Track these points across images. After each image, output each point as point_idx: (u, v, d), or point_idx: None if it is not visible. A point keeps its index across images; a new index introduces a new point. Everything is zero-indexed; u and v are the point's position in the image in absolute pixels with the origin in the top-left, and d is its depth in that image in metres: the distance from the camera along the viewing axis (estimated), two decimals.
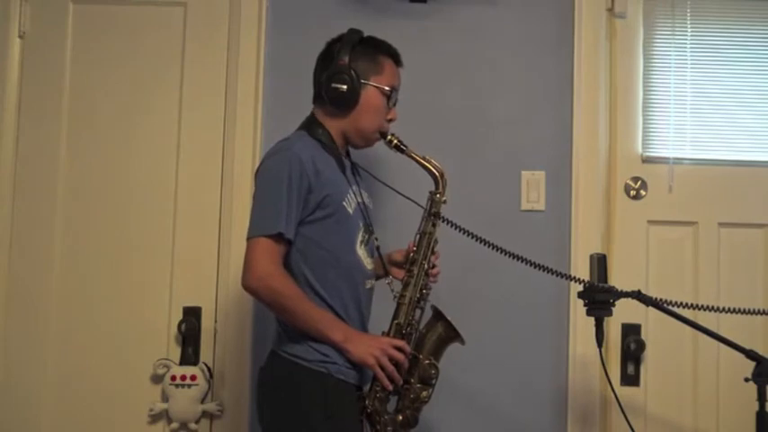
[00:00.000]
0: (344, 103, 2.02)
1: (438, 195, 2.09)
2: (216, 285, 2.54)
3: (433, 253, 2.09)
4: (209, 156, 2.58)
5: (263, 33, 2.58)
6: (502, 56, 2.61)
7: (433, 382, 2.02)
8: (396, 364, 1.95)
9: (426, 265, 2.07)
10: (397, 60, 2.11)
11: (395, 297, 2.06)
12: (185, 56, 2.61)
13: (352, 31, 2.07)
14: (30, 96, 2.62)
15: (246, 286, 1.92)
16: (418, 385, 2.01)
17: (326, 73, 2.02)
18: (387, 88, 2.06)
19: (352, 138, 2.08)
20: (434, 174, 2.10)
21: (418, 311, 2.06)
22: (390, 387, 1.97)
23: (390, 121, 2.10)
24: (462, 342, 2.08)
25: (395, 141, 2.09)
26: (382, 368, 1.94)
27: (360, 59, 2.03)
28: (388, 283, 2.10)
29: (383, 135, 2.09)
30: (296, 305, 1.92)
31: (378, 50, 2.08)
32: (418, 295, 2.06)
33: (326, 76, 2.01)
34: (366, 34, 2.10)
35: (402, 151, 2.09)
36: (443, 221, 2.06)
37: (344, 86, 2.00)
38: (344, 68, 2.01)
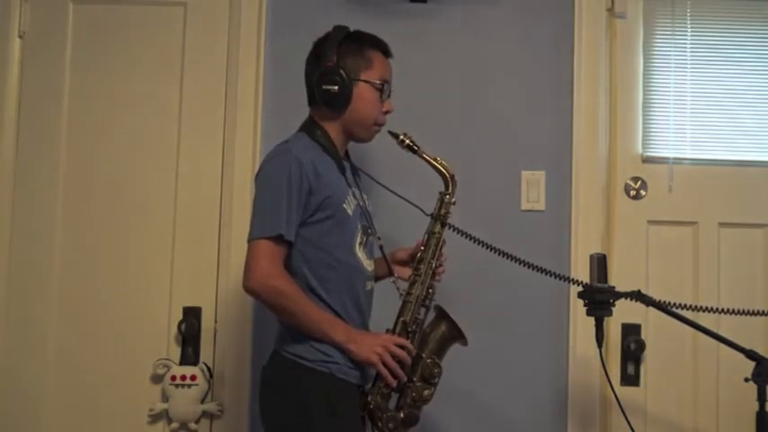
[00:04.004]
0: (338, 104, 2.02)
1: (448, 197, 2.09)
2: (216, 285, 2.54)
3: (440, 253, 2.10)
4: (209, 156, 2.58)
5: (263, 33, 2.58)
6: (502, 56, 2.61)
7: (436, 380, 2.02)
8: (399, 361, 1.96)
9: (434, 264, 2.08)
10: (385, 52, 2.09)
11: (401, 295, 2.06)
12: (185, 56, 2.61)
13: (337, 29, 2.06)
14: (30, 96, 2.62)
15: (248, 288, 1.92)
16: (420, 384, 2.01)
17: (316, 75, 2.01)
18: (378, 82, 2.05)
19: (352, 132, 2.07)
20: (445, 175, 2.10)
21: (423, 310, 2.07)
22: (394, 384, 1.97)
23: (387, 112, 2.10)
24: (465, 343, 2.08)
25: (407, 142, 2.08)
26: (386, 365, 1.94)
27: (347, 57, 2.02)
28: (393, 282, 2.11)
29: (394, 135, 2.08)
30: (298, 306, 1.92)
31: (364, 45, 2.06)
32: (424, 294, 2.06)
33: (316, 79, 2.01)
34: (353, 29, 2.08)
35: (414, 152, 2.09)
36: (449, 227, 2.07)
37: (335, 87, 1.99)
38: (333, 69, 2.00)
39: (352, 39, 2.06)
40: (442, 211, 2.09)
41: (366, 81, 2.04)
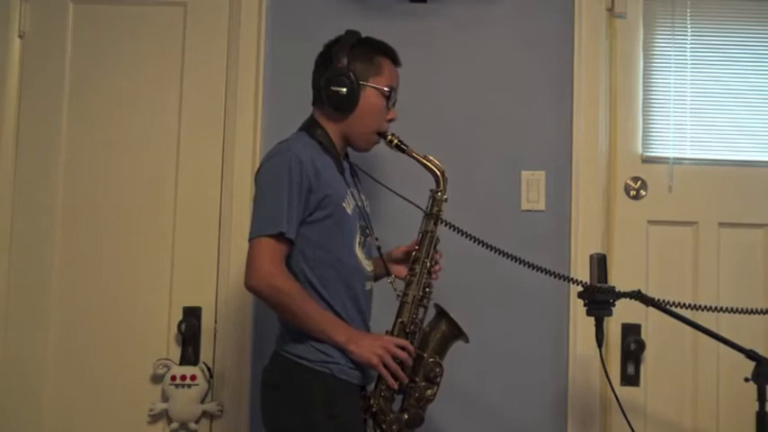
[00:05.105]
0: (344, 106, 2.02)
1: (439, 194, 2.10)
2: (216, 285, 2.54)
3: (435, 251, 2.10)
4: (210, 156, 2.58)
5: (263, 33, 2.58)
6: (502, 56, 2.61)
7: (438, 380, 2.02)
8: (400, 362, 1.96)
9: (429, 264, 2.08)
10: (394, 60, 2.11)
11: (398, 296, 2.06)
12: (185, 56, 2.61)
13: (350, 33, 2.07)
14: (30, 96, 2.62)
15: (249, 286, 1.92)
16: (423, 384, 2.01)
17: (325, 76, 2.02)
18: (386, 89, 2.06)
19: (352, 140, 2.08)
20: (435, 173, 2.10)
21: (421, 310, 2.07)
22: (396, 386, 1.97)
23: (390, 120, 2.11)
24: (466, 340, 2.08)
25: (395, 141, 2.09)
26: (386, 367, 1.94)
27: (358, 61, 2.03)
28: (390, 282, 2.10)
29: (383, 135, 2.09)
30: (299, 305, 1.92)
31: (375, 51, 2.08)
32: (421, 293, 2.06)
33: (325, 79, 2.01)
34: (365, 34, 2.10)
35: (403, 151, 2.09)
36: (443, 224, 2.07)
37: (344, 89, 2.00)
38: (343, 71, 2.00)
39: (363, 44, 2.07)
40: (435, 209, 2.09)
41: (374, 87, 2.04)
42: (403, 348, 1.97)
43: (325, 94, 2.02)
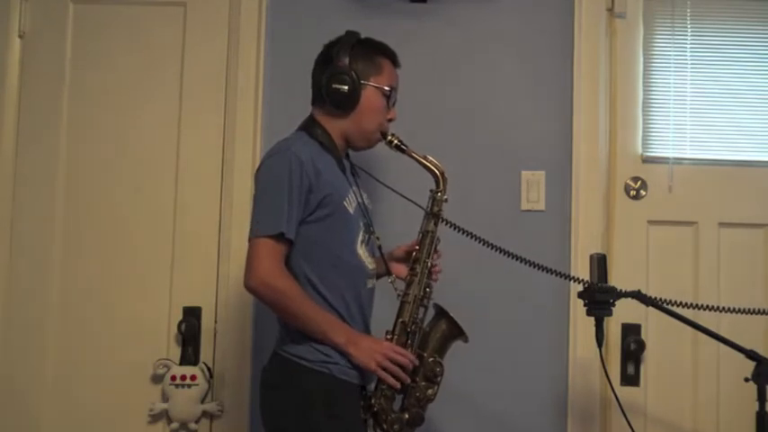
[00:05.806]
0: (346, 104, 2.02)
1: (439, 194, 2.10)
2: (216, 285, 2.54)
3: (435, 251, 2.10)
4: (209, 156, 2.58)
5: (262, 33, 2.58)
6: (502, 56, 2.61)
7: (439, 379, 2.02)
8: (400, 365, 1.95)
9: (429, 264, 2.08)
10: (394, 61, 2.12)
11: (398, 296, 2.06)
12: (185, 56, 2.61)
13: (350, 33, 2.08)
14: (30, 96, 2.62)
15: (249, 287, 1.92)
16: (423, 383, 2.01)
17: (326, 74, 2.02)
18: (386, 88, 2.06)
19: (353, 139, 2.09)
20: (435, 173, 2.10)
21: (422, 310, 2.07)
22: (398, 386, 1.97)
23: (390, 120, 2.11)
24: (466, 339, 2.08)
25: (395, 141, 2.09)
26: (386, 370, 1.94)
27: (359, 60, 2.03)
28: (391, 282, 2.11)
29: (383, 135, 2.09)
30: (298, 306, 1.92)
31: (376, 51, 2.09)
32: (422, 293, 2.06)
33: (327, 78, 2.01)
34: (366, 34, 2.10)
35: (402, 151, 2.09)
36: (443, 222, 2.07)
37: (345, 87, 2.00)
38: (344, 69, 2.01)
39: (364, 44, 2.08)
40: (435, 209, 2.09)
41: (375, 86, 2.05)
42: (402, 356, 1.97)
43: (326, 91, 2.02)
